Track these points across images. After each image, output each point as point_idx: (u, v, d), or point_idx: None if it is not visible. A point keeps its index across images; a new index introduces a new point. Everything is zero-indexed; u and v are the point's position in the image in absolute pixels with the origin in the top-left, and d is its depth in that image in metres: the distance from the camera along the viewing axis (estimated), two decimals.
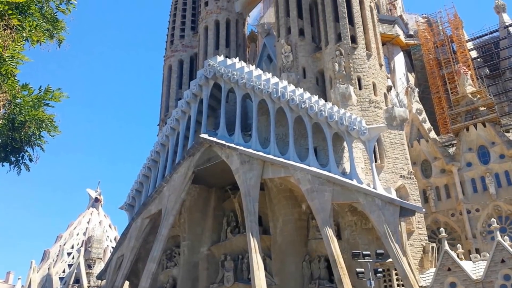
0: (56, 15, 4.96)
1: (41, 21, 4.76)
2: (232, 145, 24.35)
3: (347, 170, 23.11)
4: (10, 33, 4.11)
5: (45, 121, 4.97)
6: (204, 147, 25.48)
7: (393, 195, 21.59)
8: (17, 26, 4.34)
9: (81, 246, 41.25)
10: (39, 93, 5.00)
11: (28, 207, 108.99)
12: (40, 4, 4.73)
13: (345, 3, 29.61)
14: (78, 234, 42.72)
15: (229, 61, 26.88)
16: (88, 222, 43.99)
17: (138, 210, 27.55)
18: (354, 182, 21.63)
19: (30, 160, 5.39)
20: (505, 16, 44.45)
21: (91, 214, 45.23)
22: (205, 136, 25.39)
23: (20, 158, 5.29)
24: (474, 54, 41.33)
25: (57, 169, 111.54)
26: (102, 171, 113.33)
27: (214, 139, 25.08)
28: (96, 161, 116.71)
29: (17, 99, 4.77)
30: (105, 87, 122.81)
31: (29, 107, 4.81)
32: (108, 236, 43.34)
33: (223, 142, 24.72)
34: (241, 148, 24.00)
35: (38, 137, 5.06)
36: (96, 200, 46.81)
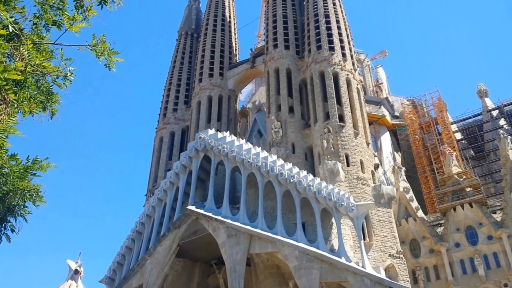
0: (51, 88, 5.16)
1: (36, 93, 4.95)
2: (219, 217, 24.06)
3: (336, 247, 22.75)
4: (5, 108, 4.25)
5: (31, 191, 4.97)
6: (191, 219, 25.10)
7: (382, 275, 21.12)
8: (13, 101, 4.50)
9: None
10: (26, 163, 5.06)
11: (4, 275, 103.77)
12: (37, 77, 4.94)
13: (333, 84, 30.98)
14: None
15: (220, 135, 27.38)
16: None
17: (119, 284, 26.42)
18: (343, 260, 21.22)
19: (12, 231, 5.30)
20: (488, 101, 46.54)
21: (69, 286, 43.11)
22: (193, 207, 25.12)
23: (2, 229, 5.20)
24: (458, 136, 42.67)
25: (37, 237, 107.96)
26: (84, 241, 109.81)
27: (201, 211, 24.80)
28: (78, 231, 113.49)
29: (4, 169, 4.81)
30: (92, 157, 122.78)
31: (15, 177, 4.85)
32: None
33: (210, 214, 24.44)
34: (229, 221, 23.70)
35: (22, 207, 5.04)
36: (76, 272, 44.84)
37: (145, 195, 37.36)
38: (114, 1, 4.67)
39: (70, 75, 5.04)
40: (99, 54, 4.98)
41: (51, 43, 4.91)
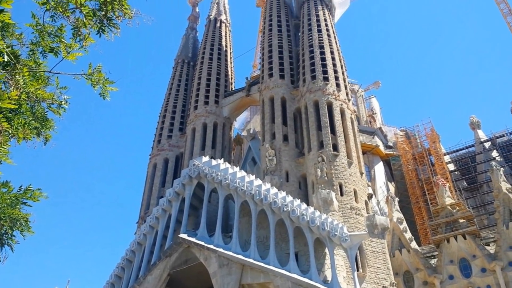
0: (46, 114, 5.16)
1: (31, 119, 4.94)
2: (211, 246, 23.75)
3: (329, 278, 22.42)
4: None
5: (20, 220, 4.89)
6: (183, 247, 24.76)
7: None
8: (6, 129, 4.49)
9: None
10: (18, 191, 4.99)
11: None
12: (32, 103, 4.94)
13: (327, 114, 31.24)
14: None
15: (214, 162, 27.33)
16: None
17: None
18: None
19: None
20: (480, 132, 47.00)
21: None
22: (184, 236, 24.81)
23: None
24: (451, 167, 42.86)
25: (25, 264, 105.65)
26: (73, 270, 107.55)
27: (193, 239, 24.49)
28: (67, 259, 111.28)
29: None
30: (83, 184, 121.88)
31: (6, 205, 4.77)
32: None
33: (202, 243, 24.13)
34: (221, 250, 23.39)
35: (10, 236, 4.94)
36: None
37: (137, 223, 36.91)
38: (112, 30, 4.74)
39: (64, 104, 5.04)
40: (95, 83, 5.00)
41: (47, 71, 4.94)
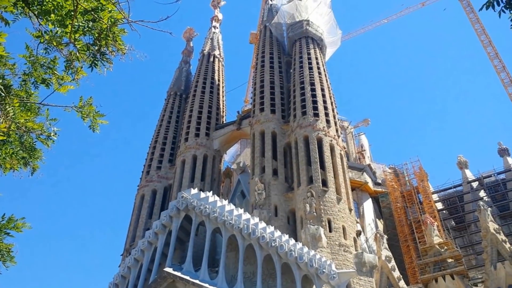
0: (35, 144, 5.16)
1: (18, 149, 4.93)
2: (197, 281, 23.23)
3: None
4: None
5: (2, 250, 4.80)
6: (167, 282, 24.18)
7: None
8: None
9: None
10: (1, 221, 4.93)
11: None
12: (21, 133, 4.95)
13: (317, 149, 31.45)
14: None
15: (202, 194, 27.13)
16: None
17: None
18: None
19: None
20: (468, 172, 47.42)
21: None
22: (170, 270, 24.27)
23: None
24: (439, 205, 42.98)
25: None
26: None
27: (179, 273, 23.96)
28: None
29: None
30: (69, 214, 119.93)
31: None
32: None
33: (187, 277, 23.61)
34: (206, 285, 22.88)
35: None
36: None
37: (122, 255, 36.14)
38: (105, 65, 4.83)
39: (53, 135, 5.06)
40: (85, 116, 5.05)
41: (37, 103, 4.99)
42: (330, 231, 27.30)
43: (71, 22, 4.36)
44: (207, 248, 25.05)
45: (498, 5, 5.95)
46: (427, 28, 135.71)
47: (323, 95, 35.76)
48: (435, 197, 42.78)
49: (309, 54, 39.08)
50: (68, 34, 4.47)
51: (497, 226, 29.90)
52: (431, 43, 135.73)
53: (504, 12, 5.96)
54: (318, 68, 38.08)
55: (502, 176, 43.51)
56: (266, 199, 30.17)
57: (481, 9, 6.11)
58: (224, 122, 43.71)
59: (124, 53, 4.81)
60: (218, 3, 55.93)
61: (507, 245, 28.38)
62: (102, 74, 4.85)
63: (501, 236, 29.00)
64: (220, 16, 55.01)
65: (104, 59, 4.84)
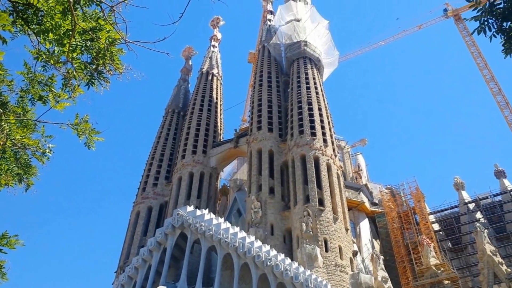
0: (30, 161, 5.18)
1: (13, 165, 4.95)
2: None
3: None
4: None
5: None
6: None
7: None
8: None
9: None
10: None
11: None
12: (16, 150, 4.97)
13: (313, 168, 31.46)
14: None
15: (198, 212, 27.03)
16: None
17: None
18: None
19: None
20: (464, 193, 47.34)
21: None
22: None
23: None
24: (436, 226, 42.77)
25: None
26: None
27: None
28: None
29: None
30: (63, 230, 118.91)
31: None
32: None
33: None
34: None
35: None
36: None
37: (115, 272, 35.72)
38: (102, 83, 4.89)
39: (48, 152, 5.09)
40: (81, 133, 5.09)
41: (33, 120, 5.03)
42: (326, 250, 27.13)
43: (69, 41, 4.44)
44: (202, 266, 24.84)
45: (490, 30, 6.08)
46: (424, 50, 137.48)
47: (320, 115, 35.95)
48: (431, 218, 42.61)
49: (306, 74, 39.43)
50: (66, 52, 4.54)
51: (493, 248, 29.77)
52: (427, 65, 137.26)
53: (495, 37, 6.08)
54: (316, 88, 38.39)
55: (499, 198, 43.45)
56: (262, 218, 30.04)
57: (472, 33, 6.24)
58: (222, 139, 43.79)
59: (121, 73, 4.88)
60: (217, 23, 56.61)
61: (504, 267, 28.24)
62: (99, 92, 4.92)
63: (498, 258, 28.86)
64: (219, 36, 55.60)
65: (101, 78, 4.91)
